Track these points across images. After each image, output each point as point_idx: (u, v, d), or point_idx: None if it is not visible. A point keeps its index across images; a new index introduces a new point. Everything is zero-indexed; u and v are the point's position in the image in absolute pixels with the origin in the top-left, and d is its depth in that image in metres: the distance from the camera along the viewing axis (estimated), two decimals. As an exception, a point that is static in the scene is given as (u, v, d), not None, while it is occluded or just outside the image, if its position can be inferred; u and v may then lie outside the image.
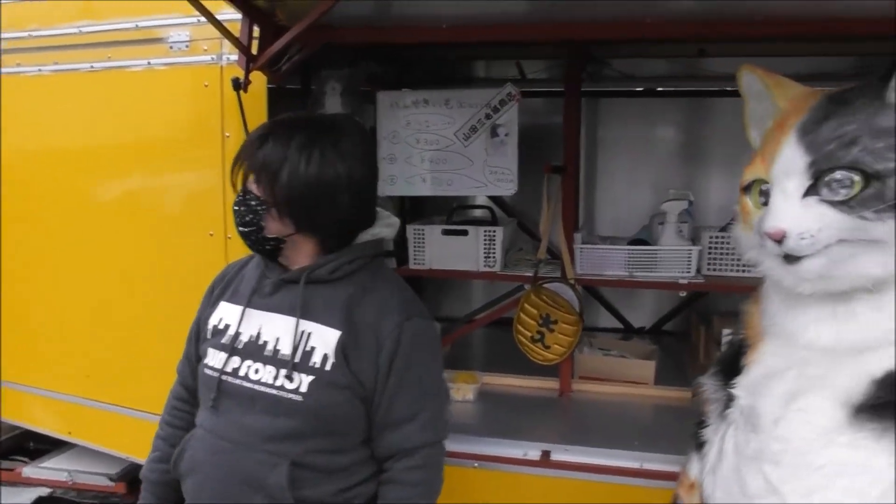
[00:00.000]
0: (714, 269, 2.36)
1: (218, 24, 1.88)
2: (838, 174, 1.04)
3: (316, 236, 1.46)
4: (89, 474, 2.68)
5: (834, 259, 1.06)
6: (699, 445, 1.37)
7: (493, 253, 2.47)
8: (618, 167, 3.08)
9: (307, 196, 1.40)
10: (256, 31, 2.01)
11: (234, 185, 1.45)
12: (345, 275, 1.46)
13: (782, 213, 1.08)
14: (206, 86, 2.24)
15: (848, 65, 2.53)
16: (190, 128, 2.29)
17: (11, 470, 2.78)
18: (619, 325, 3.19)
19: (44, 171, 2.56)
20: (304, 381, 1.38)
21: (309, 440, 1.39)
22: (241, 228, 1.44)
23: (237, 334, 1.45)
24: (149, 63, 2.32)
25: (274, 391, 1.39)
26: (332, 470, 1.42)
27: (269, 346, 1.42)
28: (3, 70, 2.58)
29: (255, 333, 1.44)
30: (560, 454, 2.04)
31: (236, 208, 1.44)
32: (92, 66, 2.41)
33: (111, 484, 2.66)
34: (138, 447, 2.28)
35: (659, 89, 2.94)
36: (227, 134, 2.21)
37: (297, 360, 1.40)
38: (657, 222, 2.38)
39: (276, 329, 1.43)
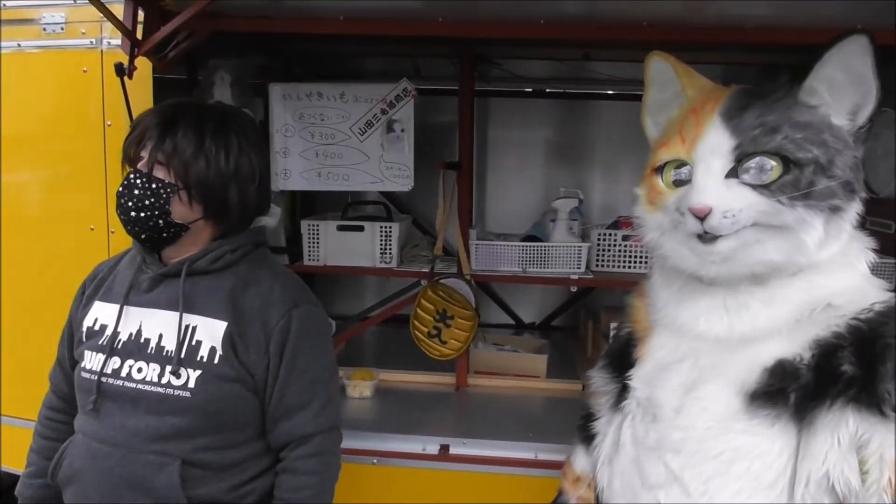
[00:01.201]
0: (602, 266, 2.43)
1: (100, 5, 1.77)
2: (762, 158, 1.08)
3: (219, 224, 1.45)
4: None
5: (744, 242, 1.10)
6: (587, 438, 1.41)
7: (390, 249, 2.47)
8: (507, 165, 3.12)
9: (223, 185, 1.40)
10: (141, 15, 1.90)
11: (128, 166, 1.40)
12: (226, 265, 1.44)
13: (709, 190, 1.11)
14: (84, 71, 2.13)
15: (717, 73, 2.65)
16: (68, 116, 2.17)
17: None
18: (511, 321, 3.24)
19: None
20: (191, 376, 1.35)
21: (198, 437, 1.36)
22: (138, 214, 1.37)
23: (115, 334, 1.39)
24: (19, 45, 2.20)
25: (160, 389, 1.35)
26: (224, 466, 1.40)
27: (152, 343, 1.38)
28: None
29: (134, 331, 1.39)
30: (458, 448, 2.07)
31: (136, 191, 1.36)
32: None
33: None
34: (13, 457, 2.23)
35: (547, 90, 3.02)
36: (109, 122, 2.13)
37: (182, 355, 1.36)
38: (549, 219, 2.43)
39: (158, 325, 1.39)
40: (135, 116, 1.81)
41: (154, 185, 1.36)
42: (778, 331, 1.12)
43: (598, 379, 1.39)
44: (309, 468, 1.44)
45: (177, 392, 1.35)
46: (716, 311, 1.17)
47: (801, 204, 1.07)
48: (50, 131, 2.21)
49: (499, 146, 3.12)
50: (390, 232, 2.46)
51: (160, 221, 1.38)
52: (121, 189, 1.38)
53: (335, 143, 2.39)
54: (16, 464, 2.21)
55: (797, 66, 1.15)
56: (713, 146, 1.12)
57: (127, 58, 1.87)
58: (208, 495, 1.37)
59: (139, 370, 1.37)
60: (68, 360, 1.50)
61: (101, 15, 1.82)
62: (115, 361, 1.38)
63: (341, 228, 2.50)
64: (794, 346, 1.10)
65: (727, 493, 1.10)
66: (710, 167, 1.12)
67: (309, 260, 2.53)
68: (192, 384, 1.35)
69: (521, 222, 2.81)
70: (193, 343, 1.38)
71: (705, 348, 1.17)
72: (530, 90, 3.02)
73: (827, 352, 1.07)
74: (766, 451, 1.08)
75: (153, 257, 1.44)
